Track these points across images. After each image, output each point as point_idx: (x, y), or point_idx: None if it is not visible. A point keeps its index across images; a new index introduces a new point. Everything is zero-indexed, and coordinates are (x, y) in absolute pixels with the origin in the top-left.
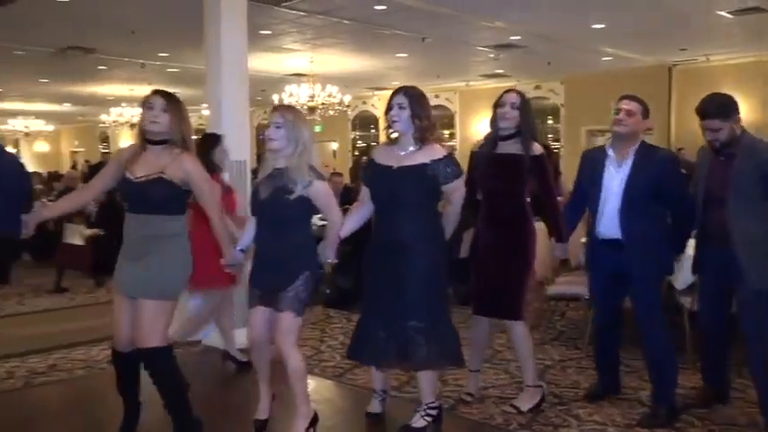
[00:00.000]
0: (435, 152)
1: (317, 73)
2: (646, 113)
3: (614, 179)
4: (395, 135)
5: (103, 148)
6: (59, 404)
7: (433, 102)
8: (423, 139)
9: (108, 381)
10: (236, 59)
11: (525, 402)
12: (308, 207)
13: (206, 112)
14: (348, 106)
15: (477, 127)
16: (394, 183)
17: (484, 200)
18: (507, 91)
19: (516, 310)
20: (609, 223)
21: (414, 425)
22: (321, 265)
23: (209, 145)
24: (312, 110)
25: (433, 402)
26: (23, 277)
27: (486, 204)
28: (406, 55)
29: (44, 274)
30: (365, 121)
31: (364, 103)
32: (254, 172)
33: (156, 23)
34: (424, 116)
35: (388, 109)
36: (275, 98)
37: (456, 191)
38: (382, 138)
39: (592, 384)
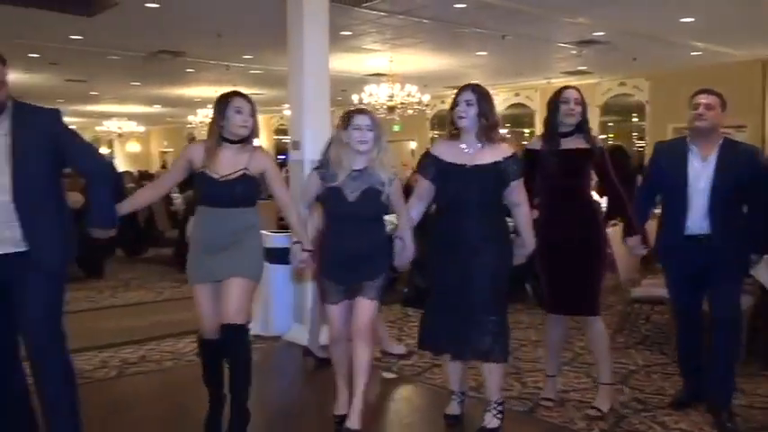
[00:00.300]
0: (504, 150)
1: (396, 72)
2: (724, 106)
3: (700, 175)
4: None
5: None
6: (149, 393)
7: (512, 100)
8: (488, 137)
9: (193, 372)
10: (317, 60)
11: (605, 403)
12: (388, 204)
13: (287, 113)
14: (427, 105)
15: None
16: (467, 181)
17: (550, 198)
18: (565, 88)
19: (594, 306)
20: (697, 219)
21: (489, 426)
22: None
23: None
24: (391, 109)
25: (499, 399)
26: (116, 272)
27: (552, 202)
28: (485, 53)
29: (135, 268)
30: (444, 120)
31: (443, 102)
32: (319, 168)
33: (241, 27)
34: (490, 114)
35: (454, 105)
36: (355, 98)
37: (519, 188)
38: None
39: (677, 391)
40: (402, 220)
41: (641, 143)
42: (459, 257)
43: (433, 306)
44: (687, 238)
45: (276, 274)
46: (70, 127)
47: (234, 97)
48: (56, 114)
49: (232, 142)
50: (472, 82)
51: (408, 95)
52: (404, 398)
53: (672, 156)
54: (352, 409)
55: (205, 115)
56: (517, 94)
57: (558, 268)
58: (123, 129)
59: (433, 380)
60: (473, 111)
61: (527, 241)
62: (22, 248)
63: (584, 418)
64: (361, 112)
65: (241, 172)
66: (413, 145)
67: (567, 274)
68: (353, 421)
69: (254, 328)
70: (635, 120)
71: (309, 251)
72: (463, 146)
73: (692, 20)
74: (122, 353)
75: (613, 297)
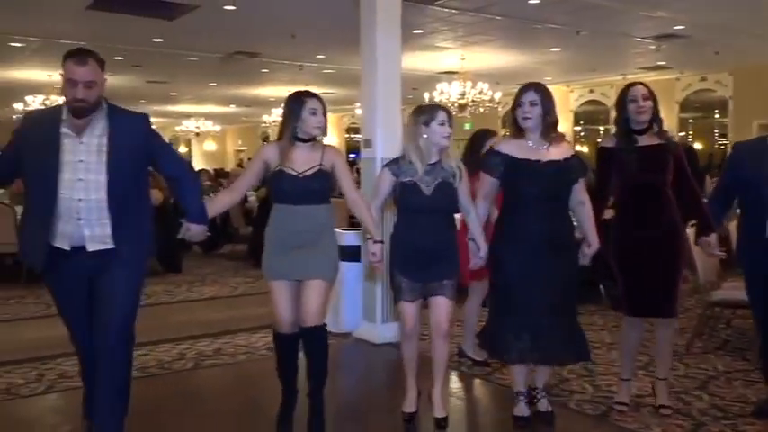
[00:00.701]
0: (568, 149)
1: (467, 70)
2: None
3: None
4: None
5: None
6: (223, 385)
7: (587, 97)
8: (550, 136)
9: (266, 366)
10: (389, 59)
11: (667, 397)
12: (457, 197)
13: (359, 111)
14: (498, 103)
15: None
16: (539, 178)
17: (628, 197)
18: (632, 85)
19: (675, 308)
20: None
21: (548, 409)
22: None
23: (480, 141)
24: (462, 107)
25: (546, 387)
26: (193, 267)
27: (631, 201)
28: (559, 49)
29: (210, 264)
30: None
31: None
32: (392, 164)
33: (314, 27)
34: (552, 113)
35: (517, 105)
36: (426, 96)
37: (583, 187)
38: None
39: (760, 399)
40: (472, 219)
41: (723, 140)
42: (529, 256)
43: (503, 309)
44: None
45: (347, 271)
46: (156, 130)
47: (308, 99)
48: (146, 118)
49: (304, 141)
50: (533, 81)
51: (480, 93)
52: (473, 398)
53: (754, 155)
54: (434, 399)
55: (279, 115)
56: (591, 91)
57: (639, 269)
58: (201, 128)
59: (503, 379)
60: (537, 110)
61: (592, 241)
62: (111, 246)
63: (659, 423)
64: (441, 108)
65: (317, 167)
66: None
67: (649, 275)
68: (439, 410)
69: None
70: (717, 116)
71: (381, 242)
72: (530, 143)
73: None
74: (198, 345)
75: (692, 300)
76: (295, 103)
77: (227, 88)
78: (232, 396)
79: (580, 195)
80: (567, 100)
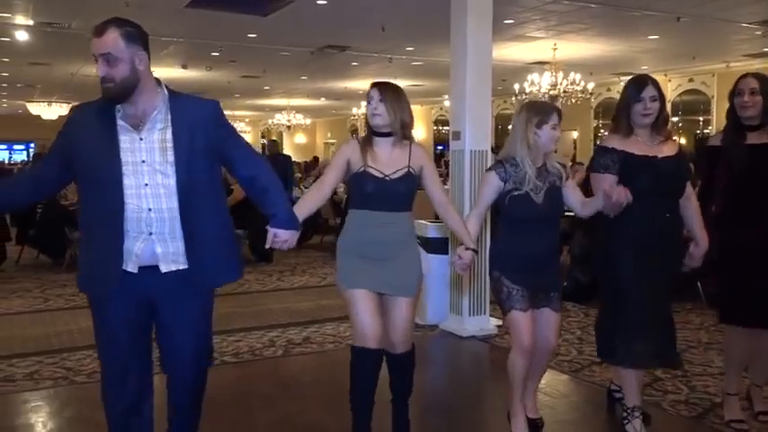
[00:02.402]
0: (677, 145)
1: (559, 60)
2: None
3: None
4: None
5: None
6: (311, 372)
7: (686, 86)
8: (664, 131)
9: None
10: (480, 50)
11: (764, 403)
12: (564, 203)
13: (447, 104)
14: (591, 93)
15: None
16: (659, 173)
17: (737, 196)
18: (743, 77)
19: None
20: None
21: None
22: None
23: None
24: (553, 98)
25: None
26: (284, 257)
27: (740, 201)
28: (657, 37)
29: (300, 254)
30: (609, 109)
31: (608, 89)
32: (498, 167)
33: (404, 19)
34: (665, 107)
35: (637, 101)
36: (516, 87)
37: (689, 188)
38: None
39: None
40: (585, 215)
41: None
42: (652, 253)
43: (627, 309)
44: None
45: (433, 263)
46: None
47: (369, 88)
48: (217, 105)
49: (381, 135)
50: (648, 75)
51: (572, 83)
52: (562, 394)
53: None
54: (528, 404)
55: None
56: (691, 80)
57: (745, 272)
58: (292, 121)
59: (593, 377)
60: (656, 106)
61: (700, 239)
62: (182, 266)
63: (760, 428)
64: (555, 109)
65: (405, 170)
66: (574, 135)
67: (757, 280)
68: (533, 411)
69: (422, 318)
70: None
71: (474, 250)
72: (640, 139)
73: None
74: (288, 333)
75: None
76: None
77: (317, 82)
78: (319, 383)
79: (687, 192)
80: (664, 90)
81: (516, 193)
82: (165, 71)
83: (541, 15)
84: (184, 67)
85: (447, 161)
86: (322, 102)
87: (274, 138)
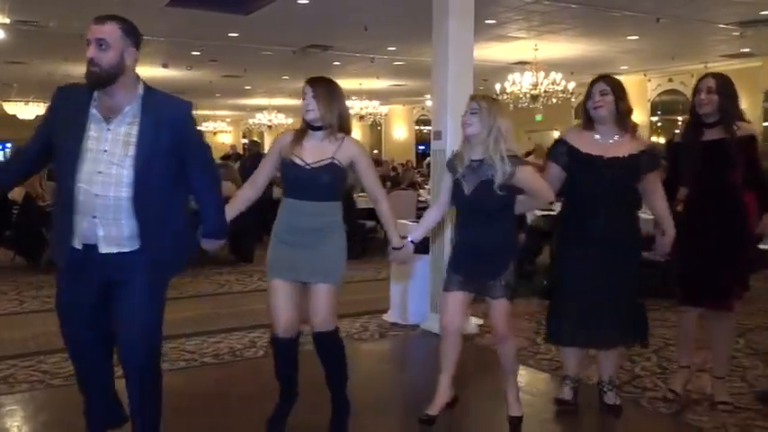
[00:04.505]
0: (640, 143)
1: (540, 60)
2: None
3: None
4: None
5: None
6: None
7: (665, 86)
8: (624, 127)
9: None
10: (462, 50)
11: (725, 394)
12: (510, 195)
13: (429, 103)
14: (572, 93)
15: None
16: (601, 174)
17: (692, 191)
18: (703, 76)
19: (730, 301)
20: None
21: (614, 402)
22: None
23: None
24: (534, 98)
25: (614, 379)
26: (264, 257)
27: (695, 195)
28: (637, 37)
29: None
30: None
31: None
32: (450, 156)
33: (386, 19)
34: (625, 103)
35: (588, 97)
36: (497, 87)
37: (654, 179)
38: None
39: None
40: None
41: None
42: (590, 250)
43: (562, 298)
44: None
45: (414, 263)
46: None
47: (305, 84)
48: (190, 107)
49: (315, 129)
50: (604, 74)
51: (553, 83)
52: (541, 392)
53: None
54: (509, 399)
55: (350, 107)
56: (670, 80)
57: (693, 257)
58: (273, 121)
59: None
60: (610, 99)
61: (666, 228)
62: (127, 249)
63: (736, 423)
64: (474, 97)
65: (329, 160)
66: (555, 134)
67: (702, 264)
68: (516, 409)
69: (392, 317)
70: None
71: (397, 248)
72: (597, 136)
73: None
74: (269, 334)
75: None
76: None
77: (299, 81)
78: (301, 383)
79: (651, 185)
80: (644, 90)
81: (455, 177)
82: (146, 70)
83: (523, 16)
84: (165, 66)
85: (429, 163)
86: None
87: (255, 138)
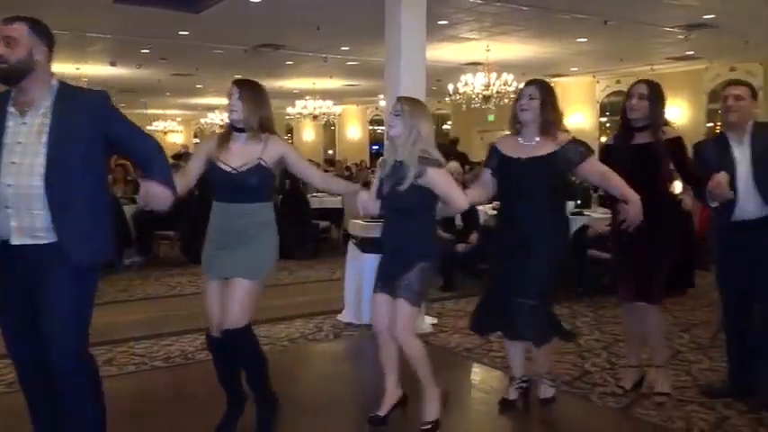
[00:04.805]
0: (562, 139)
1: (492, 61)
2: (754, 95)
3: (740, 162)
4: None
5: (288, 139)
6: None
7: (613, 87)
8: (547, 131)
9: (288, 357)
10: (414, 50)
11: (667, 384)
12: (424, 197)
13: (383, 103)
14: None
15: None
16: (521, 174)
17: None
18: (636, 82)
19: (653, 294)
20: (746, 204)
21: (545, 395)
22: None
23: None
24: (486, 99)
25: (548, 373)
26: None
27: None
28: (586, 39)
29: None
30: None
31: None
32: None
33: (339, 19)
34: (552, 108)
35: (518, 99)
36: (450, 87)
37: (591, 165)
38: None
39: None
40: (451, 209)
41: None
42: (511, 246)
43: (487, 292)
44: (735, 224)
45: (367, 263)
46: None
47: (231, 85)
48: (104, 97)
49: (239, 130)
50: (537, 78)
51: (505, 84)
52: (495, 389)
53: (711, 150)
54: (424, 401)
55: (303, 106)
56: (618, 82)
57: (628, 258)
58: (225, 121)
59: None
60: (536, 104)
61: (628, 197)
62: (44, 241)
63: (683, 416)
64: (398, 98)
65: (255, 162)
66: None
67: (634, 264)
68: (429, 413)
69: (346, 317)
70: None
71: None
72: (521, 139)
73: None
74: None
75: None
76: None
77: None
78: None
79: (593, 170)
80: (592, 91)
81: (380, 181)
82: (93, 68)
83: (474, 17)
84: (113, 64)
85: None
86: None
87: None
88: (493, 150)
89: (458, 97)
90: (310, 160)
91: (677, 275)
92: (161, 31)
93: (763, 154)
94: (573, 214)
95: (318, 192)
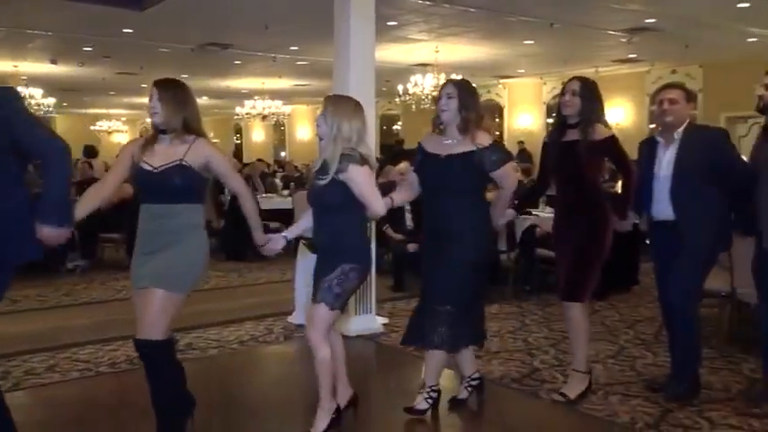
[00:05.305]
0: (481, 140)
1: (441, 62)
2: (689, 98)
3: (663, 162)
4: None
5: (237, 140)
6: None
7: (560, 89)
8: (466, 129)
9: (238, 360)
10: (363, 51)
11: (574, 389)
12: (345, 192)
13: None
14: None
15: (607, 114)
16: (442, 171)
17: (556, 187)
18: (570, 79)
19: (575, 292)
20: (660, 206)
21: (459, 396)
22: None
23: None
24: (435, 99)
25: (475, 374)
26: None
27: (558, 192)
28: (532, 42)
29: None
30: (487, 110)
31: (488, 91)
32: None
33: (288, 18)
34: (471, 107)
35: (438, 99)
36: (400, 88)
37: (507, 177)
38: (507, 126)
39: (755, 387)
40: (369, 210)
41: None
42: (431, 246)
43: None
44: (656, 224)
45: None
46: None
47: (151, 86)
48: (5, 93)
49: (163, 132)
50: (456, 77)
51: None
52: (447, 390)
53: (645, 150)
54: (317, 411)
55: (251, 106)
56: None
57: (560, 256)
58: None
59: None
60: (454, 104)
61: (494, 219)
62: None
63: (628, 410)
64: (324, 99)
65: (177, 162)
66: None
67: (565, 262)
68: (318, 425)
69: (297, 318)
70: None
71: (261, 245)
72: (442, 137)
73: (748, 5)
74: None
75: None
76: None
77: (198, 80)
78: (205, 390)
79: (499, 182)
80: (539, 92)
81: (315, 180)
82: (32, 66)
83: (423, 18)
84: (54, 62)
85: None
86: (204, 100)
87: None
88: (419, 147)
89: (407, 98)
90: (260, 160)
91: (623, 273)
92: (104, 28)
93: (685, 158)
94: (521, 214)
95: (268, 192)
